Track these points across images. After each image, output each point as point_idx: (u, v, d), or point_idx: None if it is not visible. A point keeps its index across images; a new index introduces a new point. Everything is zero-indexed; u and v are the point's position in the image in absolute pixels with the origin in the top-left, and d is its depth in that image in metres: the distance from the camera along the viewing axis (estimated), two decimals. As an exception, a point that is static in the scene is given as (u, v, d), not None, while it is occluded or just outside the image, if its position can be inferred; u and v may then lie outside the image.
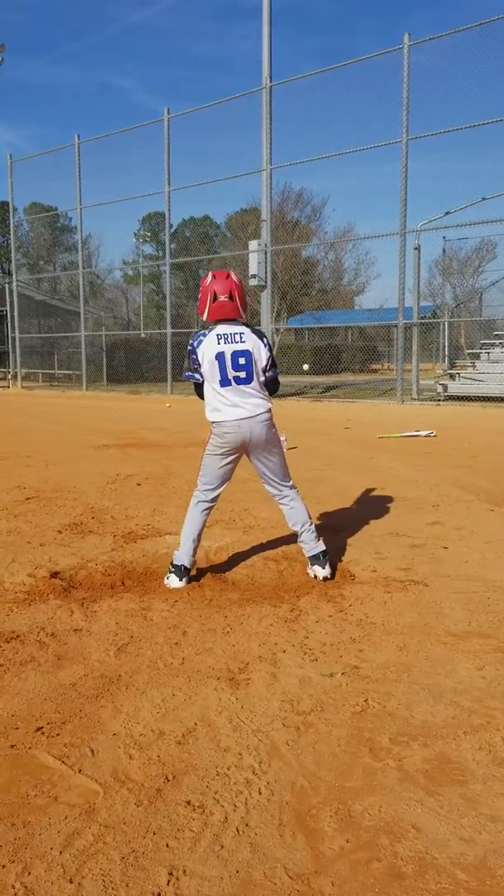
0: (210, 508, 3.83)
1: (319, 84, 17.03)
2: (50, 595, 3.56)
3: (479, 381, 16.13)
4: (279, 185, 29.59)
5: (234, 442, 3.65)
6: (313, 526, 3.88)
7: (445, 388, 16.37)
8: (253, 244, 17.98)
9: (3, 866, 1.69)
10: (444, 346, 20.77)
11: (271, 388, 3.77)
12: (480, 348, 18.05)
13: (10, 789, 2.00)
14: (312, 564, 3.84)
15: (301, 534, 3.84)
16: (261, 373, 3.67)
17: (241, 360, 3.60)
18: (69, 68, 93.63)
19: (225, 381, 3.60)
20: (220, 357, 3.58)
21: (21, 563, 4.08)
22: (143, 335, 30.01)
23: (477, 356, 17.70)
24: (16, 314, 24.78)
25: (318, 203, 31.71)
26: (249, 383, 3.63)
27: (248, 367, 3.61)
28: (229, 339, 3.60)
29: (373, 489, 6.19)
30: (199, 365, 3.64)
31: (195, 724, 2.35)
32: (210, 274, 3.68)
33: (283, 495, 3.85)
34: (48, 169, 24.28)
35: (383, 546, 4.45)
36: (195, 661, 2.82)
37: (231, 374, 3.60)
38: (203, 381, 3.66)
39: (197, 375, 3.67)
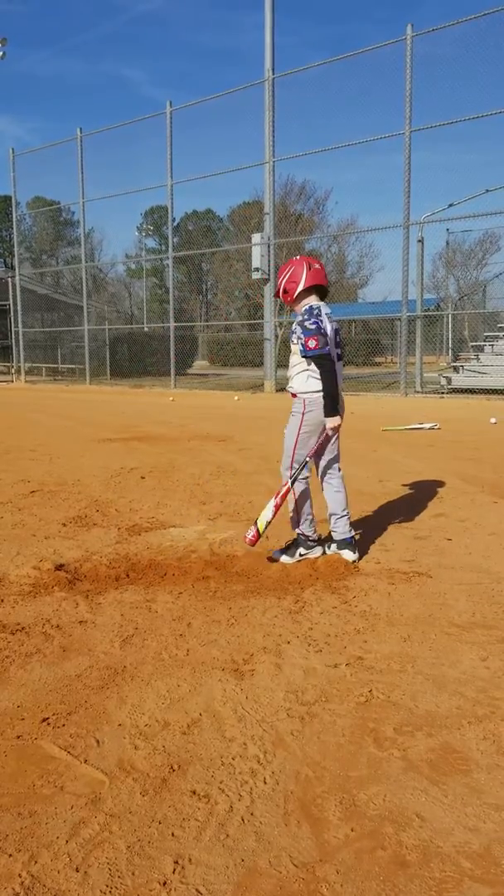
0: (308, 481, 3.95)
1: (322, 76, 17.00)
2: (55, 587, 3.58)
3: (483, 373, 16.10)
4: (282, 177, 29.52)
5: (342, 416, 3.81)
6: (349, 514, 4.02)
7: (449, 380, 16.34)
8: (256, 237, 17.95)
9: (10, 855, 1.70)
10: (448, 339, 20.76)
11: None
12: (484, 341, 17.99)
13: (16, 779, 2.01)
14: (341, 548, 3.98)
15: (339, 518, 3.96)
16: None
17: (338, 338, 3.82)
18: (75, 60, 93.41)
19: (336, 357, 3.77)
20: (331, 333, 3.73)
21: (26, 555, 4.10)
22: (146, 329, 30.02)
23: (481, 349, 17.65)
24: (19, 308, 24.80)
25: (320, 196, 31.64)
26: (342, 360, 3.86)
27: (342, 343, 3.85)
28: (331, 317, 3.78)
29: (376, 481, 6.18)
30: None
31: (200, 714, 2.36)
32: (290, 260, 3.89)
33: (334, 476, 3.98)
34: (51, 163, 24.26)
35: (387, 538, 4.45)
36: (200, 653, 2.83)
37: (335, 351, 3.76)
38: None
39: (329, 349, 3.70)
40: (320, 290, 3.83)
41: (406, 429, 9.94)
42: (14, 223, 26.44)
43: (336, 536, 4.00)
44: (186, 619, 3.16)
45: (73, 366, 26.39)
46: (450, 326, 21.11)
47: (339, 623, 3.11)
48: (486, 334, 18.52)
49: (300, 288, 3.75)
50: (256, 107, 17.34)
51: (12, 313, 25.39)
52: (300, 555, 3.96)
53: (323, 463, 3.96)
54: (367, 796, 1.92)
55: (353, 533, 4.01)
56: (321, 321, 3.66)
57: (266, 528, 3.90)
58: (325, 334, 3.65)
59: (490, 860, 1.68)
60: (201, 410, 12.86)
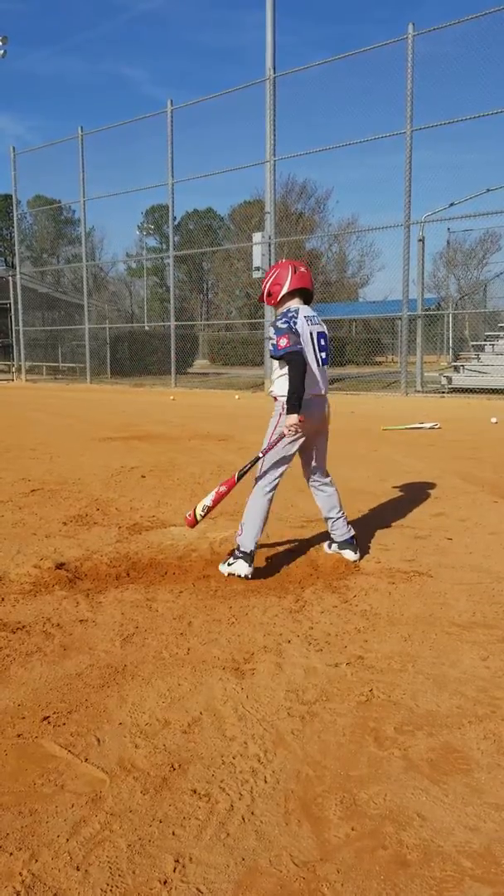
0: (275, 492, 3.83)
1: (323, 75, 16.98)
2: (55, 586, 3.58)
3: (484, 373, 16.09)
4: (283, 176, 29.53)
5: (316, 419, 3.73)
6: (345, 514, 3.99)
7: (450, 380, 16.33)
8: (257, 236, 17.94)
9: (11, 854, 1.70)
10: (449, 339, 20.75)
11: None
12: (485, 340, 17.99)
13: (17, 778, 2.01)
14: (343, 548, 3.97)
15: (336, 520, 3.95)
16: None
17: (322, 342, 3.74)
18: (76, 59, 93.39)
19: (314, 361, 3.68)
20: (309, 337, 3.67)
21: (26, 554, 4.10)
22: (146, 328, 30.01)
23: (481, 348, 17.65)
24: (20, 307, 24.79)
25: (321, 195, 31.64)
26: (327, 364, 3.77)
27: (327, 347, 3.76)
28: (312, 321, 3.71)
29: (377, 481, 6.18)
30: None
31: (200, 713, 2.36)
32: (276, 264, 3.86)
33: (324, 481, 3.95)
34: (52, 161, 24.23)
35: (388, 537, 4.45)
36: (200, 652, 2.83)
37: (318, 354, 3.70)
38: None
39: (301, 346, 3.59)
40: (305, 294, 3.78)
41: (406, 428, 9.94)
42: (15, 222, 26.41)
43: (336, 538, 3.99)
44: (187, 618, 3.17)
45: (74, 365, 26.37)
46: (450, 326, 21.11)
47: (340, 622, 3.11)
48: (486, 334, 18.52)
49: (284, 291, 3.71)
50: (257, 106, 17.33)
51: (13, 312, 25.38)
52: (228, 565, 3.72)
53: (310, 469, 3.90)
54: (367, 795, 1.92)
55: (352, 533, 4.00)
56: (293, 322, 3.59)
57: (205, 513, 3.88)
58: (296, 333, 3.57)
59: (490, 859, 1.68)
60: (202, 409, 12.85)
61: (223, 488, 3.84)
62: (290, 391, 3.50)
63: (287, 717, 2.33)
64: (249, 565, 3.67)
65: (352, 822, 1.81)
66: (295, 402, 3.51)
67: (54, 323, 27.88)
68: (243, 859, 1.69)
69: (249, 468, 3.82)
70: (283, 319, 3.61)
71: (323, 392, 3.76)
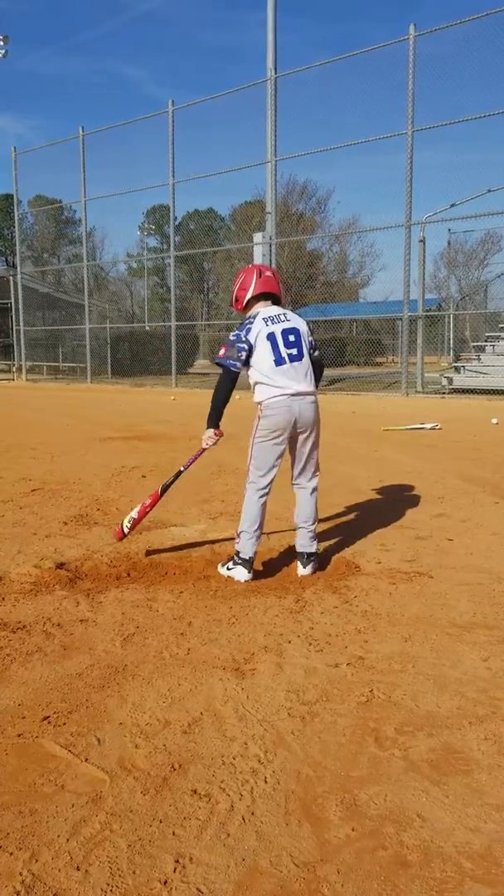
0: (267, 496, 3.75)
1: (324, 75, 16.95)
2: (56, 586, 3.58)
3: (485, 373, 16.09)
4: (284, 177, 29.48)
5: (284, 421, 3.61)
6: (314, 526, 3.84)
7: (450, 380, 16.34)
8: (257, 236, 17.93)
9: (11, 854, 1.70)
10: (449, 339, 20.75)
11: (318, 371, 3.79)
12: (486, 341, 17.99)
13: (17, 778, 2.01)
14: (298, 560, 3.83)
15: (300, 528, 3.81)
16: (309, 350, 3.70)
17: (291, 337, 3.64)
18: (77, 58, 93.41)
19: (280, 360, 3.60)
20: (271, 337, 3.60)
21: (27, 554, 4.10)
22: (147, 328, 29.99)
23: (482, 349, 17.64)
24: (20, 307, 24.79)
25: (322, 195, 31.63)
26: (301, 360, 3.65)
27: (299, 343, 3.65)
28: (275, 320, 3.64)
29: (378, 481, 6.18)
30: (247, 353, 3.61)
31: (201, 713, 2.36)
32: (242, 269, 3.85)
33: (304, 484, 3.81)
34: (53, 161, 24.24)
35: (388, 538, 4.45)
36: (201, 652, 2.83)
37: (284, 352, 3.61)
38: (239, 369, 3.64)
39: (237, 363, 3.61)
40: (271, 297, 3.75)
41: (407, 429, 9.93)
42: (16, 221, 26.40)
43: (297, 548, 3.85)
44: (187, 619, 3.16)
45: (75, 364, 26.36)
46: (451, 326, 21.10)
47: (340, 623, 3.11)
48: (487, 334, 18.51)
49: (249, 295, 3.70)
50: (258, 106, 17.30)
51: (14, 312, 25.38)
52: (227, 569, 3.73)
53: (295, 472, 3.81)
54: (367, 796, 1.92)
55: (312, 549, 3.81)
56: (244, 333, 3.59)
57: (131, 527, 4.09)
58: (238, 345, 3.58)
59: (491, 860, 1.68)
60: (202, 409, 12.74)
61: (148, 501, 4.08)
62: (212, 403, 3.72)
63: (287, 717, 2.33)
64: (248, 572, 3.67)
65: (352, 823, 1.81)
66: (212, 414, 3.71)
67: (55, 323, 27.88)
68: (243, 860, 1.68)
69: (172, 482, 4.00)
70: (236, 330, 3.65)
71: (295, 391, 3.59)
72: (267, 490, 3.72)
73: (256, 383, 3.67)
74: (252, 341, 3.59)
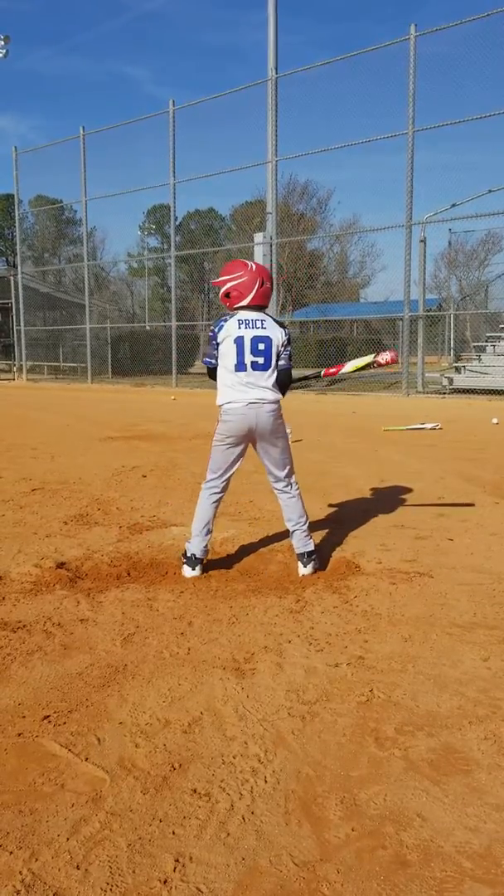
0: (220, 498, 3.80)
1: (325, 75, 16.95)
2: (56, 585, 3.58)
3: (485, 373, 16.08)
4: (284, 177, 29.52)
5: (239, 428, 3.62)
6: (307, 525, 3.82)
7: (451, 381, 16.33)
8: (258, 237, 17.93)
9: (11, 853, 1.70)
10: (450, 339, 20.75)
11: (283, 378, 3.69)
12: (486, 341, 17.98)
13: (17, 777, 2.01)
14: (298, 561, 3.82)
15: (293, 531, 3.80)
16: (276, 360, 3.64)
17: (261, 346, 3.58)
18: (78, 58, 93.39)
19: (240, 366, 3.57)
20: (239, 341, 3.56)
21: (27, 553, 4.10)
22: (147, 328, 29.99)
23: (483, 349, 17.64)
24: (21, 307, 24.79)
25: (323, 195, 31.64)
26: (266, 370, 3.60)
27: (268, 353, 3.59)
28: (251, 325, 3.59)
29: (378, 481, 6.18)
30: (217, 350, 3.63)
31: (201, 713, 2.36)
32: (244, 263, 3.70)
33: (282, 489, 3.81)
34: (53, 161, 24.23)
35: (388, 538, 4.45)
36: (201, 651, 2.83)
37: (249, 358, 3.56)
38: (217, 364, 3.65)
39: (212, 360, 3.67)
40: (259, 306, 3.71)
41: (407, 429, 9.93)
42: (16, 221, 26.39)
43: (295, 548, 3.83)
44: (187, 618, 3.16)
45: (75, 364, 26.36)
46: (452, 327, 21.11)
47: (341, 622, 3.11)
48: (488, 335, 18.50)
49: (245, 303, 3.61)
50: (259, 106, 17.30)
51: (14, 311, 25.38)
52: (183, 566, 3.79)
53: (271, 475, 3.81)
54: (367, 796, 1.92)
55: (310, 547, 3.79)
56: (216, 329, 3.60)
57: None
58: (212, 340, 3.62)
59: (491, 860, 1.68)
60: (203, 409, 12.84)
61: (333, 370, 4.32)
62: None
63: (287, 716, 2.33)
64: (193, 569, 3.73)
65: (352, 823, 1.81)
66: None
67: (55, 322, 27.87)
68: (243, 859, 1.69)
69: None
70: (212, 327, 3.67)
71: (253, 398, 3.58)
72: (220, 492, 3.79)
73: (220, 384, 3.69)
74: (220, 340, 3.60)
